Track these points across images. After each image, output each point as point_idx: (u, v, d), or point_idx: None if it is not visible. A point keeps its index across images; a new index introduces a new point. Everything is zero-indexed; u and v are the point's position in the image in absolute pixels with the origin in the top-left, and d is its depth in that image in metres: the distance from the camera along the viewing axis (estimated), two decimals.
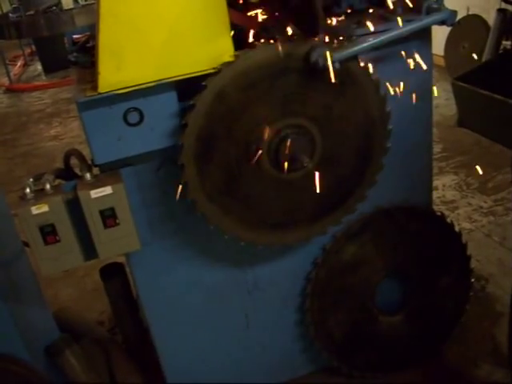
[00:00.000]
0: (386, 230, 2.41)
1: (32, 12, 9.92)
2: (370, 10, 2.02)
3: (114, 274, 2.65)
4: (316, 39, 1.72)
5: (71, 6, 10.52)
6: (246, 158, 1.87)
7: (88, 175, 1.90)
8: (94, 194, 1.84)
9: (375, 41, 1.78)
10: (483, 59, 5.08)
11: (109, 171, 1.91)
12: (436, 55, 6.50)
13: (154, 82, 1.71)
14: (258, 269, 2.32)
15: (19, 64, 10.30)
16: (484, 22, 5.68)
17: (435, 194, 4.07)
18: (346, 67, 1.82)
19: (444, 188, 4.22)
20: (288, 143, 1.84)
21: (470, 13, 5.98)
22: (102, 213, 1.86)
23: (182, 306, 2.29)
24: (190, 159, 1.81)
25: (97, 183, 1.87)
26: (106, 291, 2.71)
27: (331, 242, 2.32)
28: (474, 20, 5.79)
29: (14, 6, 9.37)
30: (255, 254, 2.24)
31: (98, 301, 3.34)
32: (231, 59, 1.72)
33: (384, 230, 2.41)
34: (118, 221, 1.89)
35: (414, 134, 2.32)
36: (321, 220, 2.09)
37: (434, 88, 2.24)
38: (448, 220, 2.50)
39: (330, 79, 1.73)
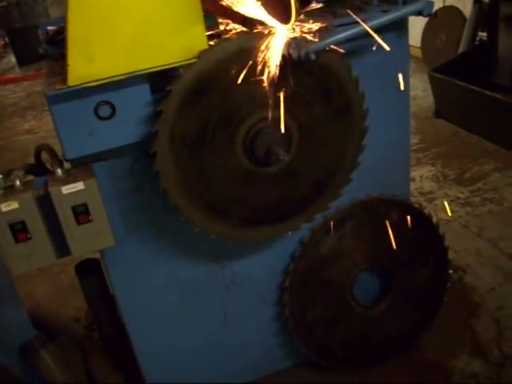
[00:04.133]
0: (364, 223, 2.40)
1: (5, 3, 9.76)
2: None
3: (89, 270, 2.61)
4: (291, 30, 1.69)
5: None
6: (221, 149, 1.84)
7: (59, 171, 1.84)
8: (66, 189, 1.79)
9: (351, 31, 1.75)
10: (459, 50, 5.11)
11: (81, 166, 1.86)
12: (413, 46, 6.53)
13: (126, 74, 1.66)
14: (235, 264, 2.30)
15: None
16: (460, 13, 5.72)
17: (413, 186, 4.09)
18: (323, 59, 1.80)
19: (421, 179, 4.24)
20: (262, 137, 1.81)
21: (447, 4, 6.01)
22: (74, 209, 1.81)
23: (159, 303, 2.25)
24: (166, 165, 1.77)
25: (68, 179, 1.82)
26: (82, 288, 2.66)
27: (309, 235, 2.31)
28: (451, 11, 5.83)
29: None
30: (232, 248, 2.21)
31: (74, 297, 3.28)
32: (205, 48, 1.68)
33: (362, 223, 2.40)
34: (90, 217, 1.84)
35: (391, 126, 2.31)
36: (294, 216, 2.07)
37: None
38: (426, 211, 2.50)
39: (306, 71, 1.71)
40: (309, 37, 1.67)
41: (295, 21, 1.58)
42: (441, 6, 6.02)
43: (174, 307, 2.29)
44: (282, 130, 1.82)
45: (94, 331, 2.95)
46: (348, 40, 1.80)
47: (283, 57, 1.70)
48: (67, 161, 1.87)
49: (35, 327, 2.43)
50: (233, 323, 2.41)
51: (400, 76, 2.18)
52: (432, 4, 1.93)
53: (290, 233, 2.12)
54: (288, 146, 1.88)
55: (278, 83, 1.79)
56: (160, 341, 2.32)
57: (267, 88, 1.78)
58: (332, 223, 2.32)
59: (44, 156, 2.09)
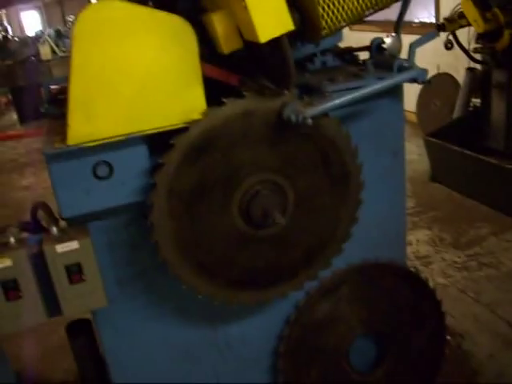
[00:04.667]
0: (360, 287, 2.38)
1: (10, 62, 10.00)
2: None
3: (80, 331, 2.55)
4: (288, 95, 1.73)
5: (49, 57, 10.65)
6: (217, 208, 1.84)
7: (54, 229, 1.84)
8: (60, 248, 1.78)
9: (347, 97, 1.79)
10: (454, 116, 5.21)
11: (76, 225, 1.86)
12: (408, 111, 6.65)
13: (124, 135, 1.68)
14: (229, 327, 2.25)
15: None
16: (454, 79, 5.85)
17: (409, 249, 4.07)
18: (319, 123, 1.83)
19: (418, 243, 4.22)
20: (260, 199, 1.82)
21: (441, 71, 6.16)
22: (67, 268, 1.80)
23: (150, 365, 2.19)
24: (161, 218, 1.77)
25: (63, 237, 1.81)
26: (72, 349, 2.60)
27: (304, 299, 2.28)
28: (445, 78, 5.97)
29: None
30: (226, 311, 2.16)
31: (63, 359, 3.20)
32: (201, 116, 1.71)
33: (358, 287, 2.37)
34: (84, 276, 1.82)
35: (387, 191, 2.32)
36: (283, 283, 2.05)
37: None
38: (422, 276, 2.48)
39: (302, 135, 1.73)
40: (306, 102, 1.70)
41: (293, 86, 1.62)
42: (435, 72, 6.17)
43: (165, 369, 2.23)
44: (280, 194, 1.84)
45: None
46: (344, 106, 1.84)
47: (282, 120, 1.72)
48: (63, 219, 1.87)
49: None
50: None
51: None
52: (426, 71, 1.97)
53: (278, 299, 2.10)
54: (284, 210, 1.88)
55: (278, 147, 1.82)
56: None
57: (267, 150, 1.81)
58: (328, 287, 2.30)
59: (40, 214, 2.08)
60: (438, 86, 5.98)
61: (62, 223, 1.88)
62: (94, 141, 1.68)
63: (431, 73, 6.21)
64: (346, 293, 2.35)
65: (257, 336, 2.31)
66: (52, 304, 1.86)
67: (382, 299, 2.42)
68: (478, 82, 4.90)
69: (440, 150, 4.90)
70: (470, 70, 5.03)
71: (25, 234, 1.94)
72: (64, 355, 3.08)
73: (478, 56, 4.77)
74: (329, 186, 1.97)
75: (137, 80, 1.67)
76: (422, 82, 2.00)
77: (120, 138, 1.68)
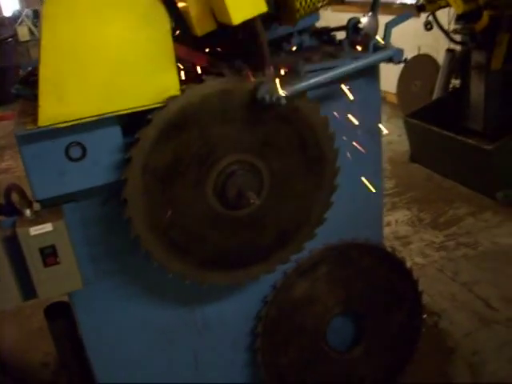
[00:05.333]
0: (337, 267, 2.39)
1: None
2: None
3: (59, 313, 2.54)
4: (263, 75, 1.71)
5: (27, 38, 10.45)
6: (191, 186, 1.83)
7: (28, 211, 1.82)
8: (34, 231, 1.76)
9: (322, 77, 1.78)
10: (434, 97, 5.22)
11: (50, 207, 1.84)
12: (389, 93, 6.67)
13: (97, 116, 1.66)
14: (207, 308, 2.25)
15: None
16: (434, 61, 5.87)
17: (388, 230, 4.11)
18: (298, 106, 1.82)
19: (397, 223, 4.26)
20: (235, 179, 1.81)
21: (421, 52, 6.17)
22: (41, 251, 1.78)
23: (127, 347, 2.19)
24: (134, 194, 1.75)
25: (37, 220, 1.79)
26: (51, 332, 2.60)
27: (281, 279, 2.29)
28: (425, 59, 5.99)
29: None
30: (204, 292, 2.17)
31: (43, 341, 3.19)
32: (177, 93, 1.69)
33: (335, 267, 2.39)
34: (58, 259, 1.80)
35: (363, 171, 2.33)
36: (255, 265, 2.05)
37: (381, 125, 2.26)
38: (399, 256, 2.50)
39: (280, 117, 1.72)
40: (280, 82, 1.69)
41: (268, 67, 1.61)
42: (416, 53, 6.18)
43: (143, 351, 2.23)
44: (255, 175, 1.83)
45: (63, 376, 2.86)
46: (319, 86, 1.83)
47: (257, 101, 1.71)
48: (37, 201, 1.85)
49: (1, 372, 2.35)
50: (204, 368, 2.36)
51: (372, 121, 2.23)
52: (402, 51, 1.97)
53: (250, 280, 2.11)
54: (259, 191, 1.88)
55: (255, 128, 1.81)
56: None
57: (244, 131, 1.80)
58: (305, 267, 2.31)
59: (14, 196, 2.06)
60: (418, 67, 6.00)
61: (36, 205, 1.87)
62: (66, 122, 1.65)
63: (412, 53, 6.22)
64: (323, 273, 2.37)
65: (235, 316, 2.33)
66: (27, 287, 1.84)
67: (359, 279, 2.44)
68: (458, 63, 4.91)
69: (419, 131, 4.92)
70: (449, 51, 5.04)
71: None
72: (44, 338, 3.08)
73: (457, 37, 4.77)
74: (305, 170, 1.96)
75: (108, 59, 1.64)
76: (398, 62, 2.00)
77: (92, 118, 1.66)
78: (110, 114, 1.68)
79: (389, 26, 2.01)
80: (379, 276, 2.47)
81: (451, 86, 5.17)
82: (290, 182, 1.96)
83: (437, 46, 5.76)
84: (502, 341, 2.96)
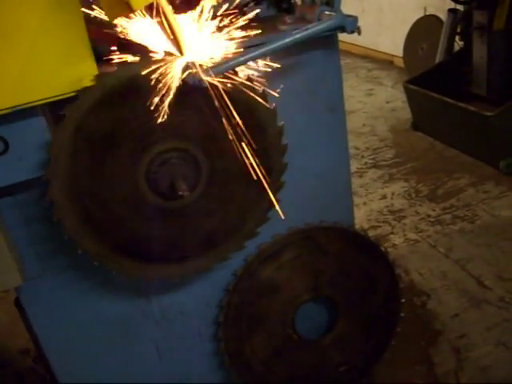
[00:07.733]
0: (304, 252, 2.28)
1: None
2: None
3: None
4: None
5: None
6: (123, 161, 1.70)
7: None
8: None
9: (252, 54, 1.62)
10: (436, 61, 4.97)
11: None
12: (396, 56, 6.39)
13: (11, 108, 1.55)
14: (164, 298, 2.17)
15: None
16: (440, 21, 5.57)
17: (383, 203, 3.97)
18: (239, 95, 1.68)
19: (393, 196, 4.09)
20: (169, 167, 1.70)
21: (428, 13, 5.89)
22: None
23: (83, 341, 2.13)
24: (60, 155, 1.62)
25: None
26: (23, 320, 2.56)
27: (242, 266, 2.18)
28: (431, 20, 5.70)
29: None
30: (159, 282, 2.08)
31: None
32: (91, 82, 1.57)
33: (302, 252, 2.27)
34: None
35: (326, 149, 2.19)
36: (198, 256, 1.94)
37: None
38: (372, 238, 2.37)
39: (206, 98, 1.59)
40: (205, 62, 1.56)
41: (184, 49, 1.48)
42: (421, 15, 5.89)
43: (103, 345, 2.16)
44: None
45: (41, 363, 2.84)
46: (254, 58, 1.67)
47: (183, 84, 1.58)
48: None
49: None
50: (168, 358, 2.28)
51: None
52: (355, 19, 1.79)
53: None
54: (195, 182, 1.76)
55: (194, 115, 1.69)
56: (89, 380, 2.20)
57: (181, 117, 1.68)
58: (268, 253, 2.20)
59: None
60: (424, 29, 5.72)
61: None
62: None
63: (418, 15, 5.94)
64: (288, 259, 2.26)
65: (196, 305, 2.24)
66: None
67: (328, 264, 2.32)
68: (461, 23, 4.65)
69: (420, 98, 4.70)
70: (451, 11, 4.77)
71: None
72: None
73: None
74: (248, 177, 1.76)
75: (21, 48, 1.51)
76: (352, 32, 1.84)
77: (7, 110, 1.55)
78: (26, 105, 1.57)
79: None
80: (350, 260, 2.35)
81: (458, 48, 4.91)
82: (229, 185, 1.83)
83: (443, 6, 5.46)
84: (492, 322, 2.83)
